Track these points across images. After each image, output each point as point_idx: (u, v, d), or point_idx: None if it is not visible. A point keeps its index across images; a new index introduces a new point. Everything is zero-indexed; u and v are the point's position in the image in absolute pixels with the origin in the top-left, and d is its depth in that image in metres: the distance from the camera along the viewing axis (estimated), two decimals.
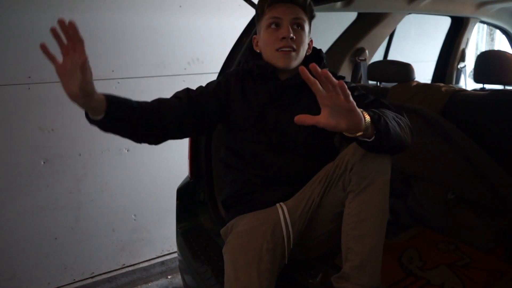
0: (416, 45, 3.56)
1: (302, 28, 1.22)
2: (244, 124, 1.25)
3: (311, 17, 1.26)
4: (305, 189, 1.19)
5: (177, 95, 1.25)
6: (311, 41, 1.29)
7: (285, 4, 1.20)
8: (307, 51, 1.26)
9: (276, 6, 1.21)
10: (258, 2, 1.27)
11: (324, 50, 2.57)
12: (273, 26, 1.20)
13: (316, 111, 1.21)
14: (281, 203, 1.19)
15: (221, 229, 1.30)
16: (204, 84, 1.32)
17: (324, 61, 1.30)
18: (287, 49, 1.18)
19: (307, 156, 1.23)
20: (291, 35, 1.17)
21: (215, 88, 1.27)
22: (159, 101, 1.19)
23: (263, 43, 1.24)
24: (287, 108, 1.23)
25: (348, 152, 1.10)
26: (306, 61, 1.25)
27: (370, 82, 2.32)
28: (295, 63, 1.21)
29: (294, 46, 1.19)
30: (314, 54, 1.31)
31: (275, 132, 1.23)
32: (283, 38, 1.17)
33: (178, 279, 2.34)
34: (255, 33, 1.33)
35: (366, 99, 1.20)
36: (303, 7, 1.22)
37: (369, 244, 1.03)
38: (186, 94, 1.24)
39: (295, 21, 1.20)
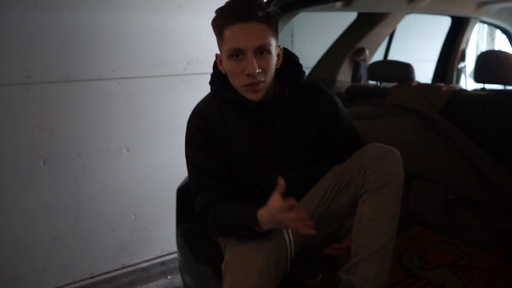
0: (416, 45, 3.56)
1: (268, 52, 1.05)
2: (238, 157, 1.17)
3: (276, 25, 1.08)
4: (308, 197, 1.19)
5: (205, 186, 1.17)
6: (281, 50, 1.14)
7: (246, 25, 1.01)
8: (277, 64, 1.11)
9: (235, 28, 1.02)
10: (213, 20, 1.07)
11: (324, 50, 2.60)
12: (235, 56, 1.05)
13: (304, 123, 1.20)
14: None
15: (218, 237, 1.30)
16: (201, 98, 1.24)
17: (302, 71, 1.19)
18: (255, 82, 1.06)
19: (305, 167, 1.22)
20: (257, 70, 1.03)
21: (203, 136, 1.16)
22: (228, 187, 1.18)
23: (227, 70, 1.10)
24: (278, 127, 1.18)
25: (360, 156, 1.10)
26: (280, 74, 1.15)
27: (370, 82, 2.32)
28: (265, 90, 1.10)
29: (262, 78, 1.06)
30: (288, 63, 1.18)
31: (273, 156, 1.18)
32: (248, 74, 1.04)
33: (178, 279, 2.34)
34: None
35: (338, 123, 1.23)
36: (266, 21, 1.03)
37: (380, 242, 1.04)
38: (208, 177, 1.17)
39: (260, 48, 1.04)
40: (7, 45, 1.87)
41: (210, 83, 1.20)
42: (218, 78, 1.17)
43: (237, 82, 1.09)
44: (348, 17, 2.57)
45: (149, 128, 2.31)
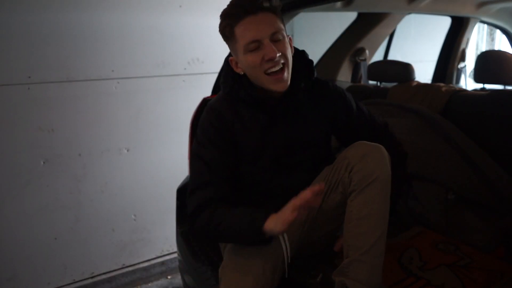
0: (416, 45, 3.56)
1: (283, 36, 1.08)
2: (250, 154, 1.17)
3: (281, 14, 1.11)
4: None
5: (206, 180, 1.13)
6: (290, 39, 1.14)
7: (255, 17, 1.04)
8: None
9: (245, 22, 1.05)
10: (221, 21, 1.09)
11: (324, 50, 2.60)
12: (252, 48, 1.06)
13: (316, 119, 1.21)
14: None
15: None
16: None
17: (313, 67, 1.22)
18: (277, 68, 1.07)
19: (313, 168, 1.22)
20: (278, 54, 1.05)
21: (216, 133, 1.15)
22: (230, 190, 1.15)
23: (247, 66, 1.10)
24: (292, 123, 1.18)
25: (346, 155, 1.11)
26: (293, 70, 1.14)
27: (370, 82, 2.32)
28: (289, 80, 1.11)
29: (283, 61, 1.07)
30: (299, 59, 1.19)
31: (285, 153, 1.18)
32: (270, 59, 1.05)
33: (178, 279, 2.34)
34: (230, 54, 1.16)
35: (351, 115, 1.26)
36: (272, 11, 1.07)
37: (371, 241, 1.04)
38: (213, 173, 1.13)
39: (274, 36, 1.06)
40: (8, 45, 1.87)
41: (222, 83, 1.19)
42: (232, 77, 1.16)
43: (259, 71, 1.08)
44: (348, 17, 2.57)
45: (149, 128, 2.31)
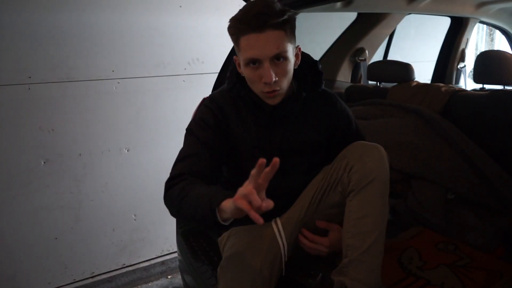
0: (416, 45, 3.56)
1: (285, 58, 1.05)
2: (247, 153, 1.18)
3: (293, 28, 1.07)
4: (301, 198, 1.19)
5: (195, 152, 1.14)
6: (299, 49, 1.13)
7: (260, 35, 1.00)
8: (295, 64, 1.12)
9: (249, 38, 1.02)
10: (228, 28, 1.07)
11: (324, 50, 2.60)
12: (251, 64, 1.05)
13: (315, 128, 1.22)
14: (276, 220, 1.18)
15: (218, 238, 1.31)
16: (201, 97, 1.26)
17: (322, 78, 1.21)
18: (270, 90, 1.07)
19: (309, 171, 1.22)
20: (274, 79, 1.04)
21: (215, 121, 1.16)
22: (196, 174, 1.12)
23: (245, 75, 1.11)
24: (290, 128, 1.19)
25: (345, 155, 1.11)
26: (300, 77, 1.17)
27: (370, 82, 2.32)
28: (283, 96, 1.13)
29: (278, 87, 1.07)
30: (309, 68, 1.20)
31: (280, 155, 1.18)
32: (265, 83, 1.05)
33: (178, 279, 2.35)
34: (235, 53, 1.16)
35: (348, 131, 1.26)
36: (281, 27, 1.02)
37: (369, 241, 1.04)
38: (203, 148, 1.13)
39: (276, 56, 1.03)
40: (8, 45, 1.87)
41: (228, 77, 1.21)
42: (237, 75, 1.18)
43: (255, 88, 1.11)
44: (348, 17, 2.57)
45: (149, 128, 2.31)
